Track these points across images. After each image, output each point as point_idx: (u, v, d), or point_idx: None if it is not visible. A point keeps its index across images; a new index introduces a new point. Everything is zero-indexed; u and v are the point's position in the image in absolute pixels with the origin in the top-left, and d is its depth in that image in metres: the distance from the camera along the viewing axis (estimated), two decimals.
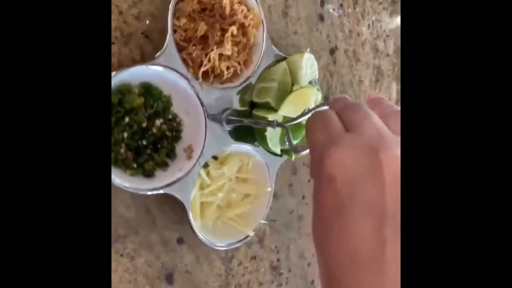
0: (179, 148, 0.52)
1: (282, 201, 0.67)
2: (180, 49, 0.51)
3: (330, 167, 0.27)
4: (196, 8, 0.51)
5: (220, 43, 0.52)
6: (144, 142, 0.49)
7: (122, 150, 0.47)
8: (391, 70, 0.81)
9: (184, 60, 0.51)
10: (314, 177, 0.28)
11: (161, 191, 0.49)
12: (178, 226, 0.55)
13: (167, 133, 0.51)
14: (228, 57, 0.54)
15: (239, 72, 0.56)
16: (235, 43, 0.54)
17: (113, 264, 0.50)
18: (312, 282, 0.72)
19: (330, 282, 0.27)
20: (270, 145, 0.56)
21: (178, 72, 0.49)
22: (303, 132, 0.57)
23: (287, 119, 0.49)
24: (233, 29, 0.52)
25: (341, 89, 0.73)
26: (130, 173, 0.48)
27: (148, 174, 0.49)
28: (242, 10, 0.54)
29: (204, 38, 0.52)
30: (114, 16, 0.48)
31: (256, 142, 0.57)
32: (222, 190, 0.54)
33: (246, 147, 0.57)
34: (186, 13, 0.51)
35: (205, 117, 0.51)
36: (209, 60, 0.52)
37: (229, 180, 0.56)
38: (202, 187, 0.54)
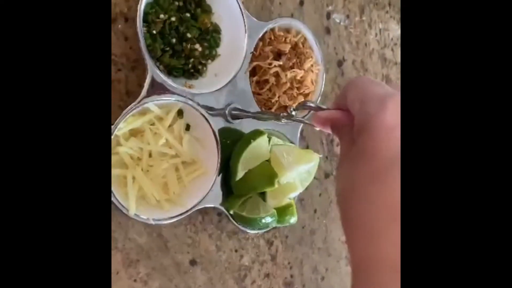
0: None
1: None
2: None
3: (390, 115, 0.27)
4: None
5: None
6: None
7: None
8: (400, 79, 0.80)
9: None
10: (366, 129, 0.28)
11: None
12: (190, 249, 0.55)
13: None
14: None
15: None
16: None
17: None
18: None
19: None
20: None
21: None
22: None
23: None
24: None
25: None
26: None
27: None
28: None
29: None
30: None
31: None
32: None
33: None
34: None
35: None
36: None
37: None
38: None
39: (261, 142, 0.51)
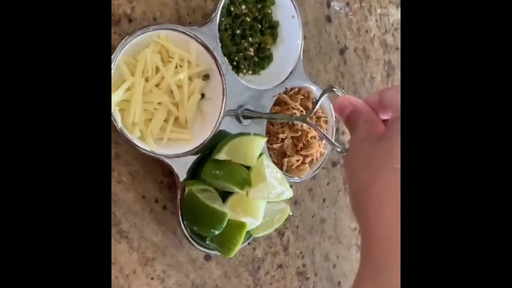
0: None
1: (304, 206, 0.67)
2: None
3: None
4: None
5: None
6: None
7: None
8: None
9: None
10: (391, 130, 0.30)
11: None
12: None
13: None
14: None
15: None
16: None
17: None
18: (339, 283, 0.73)
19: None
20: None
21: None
22: None
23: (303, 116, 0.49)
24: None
25: (353, 89, 0.72)
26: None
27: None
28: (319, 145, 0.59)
29: None
30: None
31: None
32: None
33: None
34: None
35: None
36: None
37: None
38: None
39: (257, 143, 0.50)
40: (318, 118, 0.60)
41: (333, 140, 0.47)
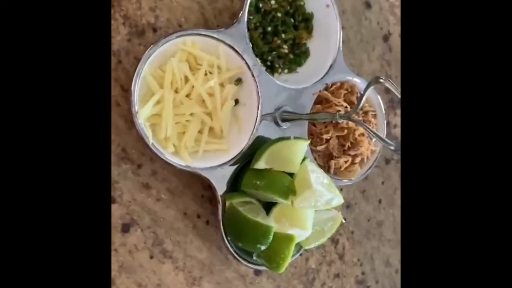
0: None
1: (357, 210, 0.62)
2: None
3: None
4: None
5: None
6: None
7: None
8: None
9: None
10: None
11: None
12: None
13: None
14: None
15: None
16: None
17: None
18: None
19: None
20: None
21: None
22: None
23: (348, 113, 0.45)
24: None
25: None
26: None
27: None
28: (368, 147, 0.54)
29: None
30: None
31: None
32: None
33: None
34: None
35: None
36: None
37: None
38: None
39: (299, 147, 0.45)
40: (366, 113, 0.55)
41: (384, 137, 0.42)
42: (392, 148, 0.38)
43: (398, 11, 0.66)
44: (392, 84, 0.37)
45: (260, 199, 0.46)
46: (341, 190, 0.59)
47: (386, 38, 0.65)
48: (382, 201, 0.64)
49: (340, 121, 0.45)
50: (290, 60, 0.52)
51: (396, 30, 0.66)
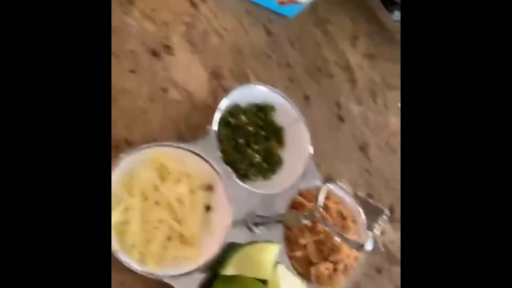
0: None
1: None
2: None
3: None
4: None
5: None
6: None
7: None
8: None
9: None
10: None
11: None
12: None
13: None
14: None
15: None
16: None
17: None
18: None
19: None
20: None
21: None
22: None
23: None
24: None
25: (384, 185, 0.67)
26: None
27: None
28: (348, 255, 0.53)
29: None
30: None
31: None
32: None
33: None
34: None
35: None
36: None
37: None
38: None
39: (269, 251, 0.45)
40: (345, 218, 0.55)
41: (347, 237, 0.41)
42: (354, 247, 0.37)
43: (371, 124, 0.70)
44: (341, 187, 0.38)
45: None
46: None
47: (363, 149, 0.68)
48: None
49: (305, 222, 0.44)
50: (264, 169, 0.54)
51: (372, 141, 0.69)
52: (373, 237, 0.37)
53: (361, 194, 0.64)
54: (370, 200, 0.38)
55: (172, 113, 0.53)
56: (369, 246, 0.37)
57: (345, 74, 0.70)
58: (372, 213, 0.37)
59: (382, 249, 0.54)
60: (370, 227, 0.37)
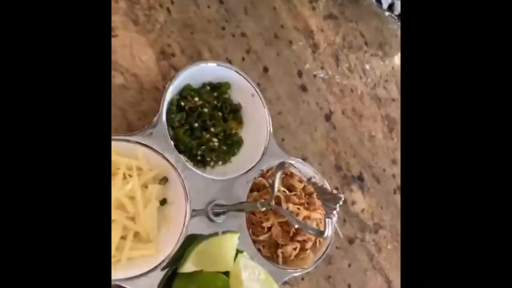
0: None
1: None
2: None
3: None
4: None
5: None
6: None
7: None
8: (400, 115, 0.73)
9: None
10: None
11: None
12: None
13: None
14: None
15: None
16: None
17: None
18: None
19: None
20: None
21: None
22: None
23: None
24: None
25: (352, 153, 0.65)
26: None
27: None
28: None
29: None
30: None
31: None
32: None
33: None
34: None
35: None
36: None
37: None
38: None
39: (228, 242, 0.43)
40: (310, 194, 0.53)
41: (306, 224, 0.40)
42: (312, 233, 0.36)
43: (337, 90, 0.67)
44: (296, 168, 0.36)
45: None
46: (302, 279, 0.55)
47: (328, 117, 0.65)
48: (351, 285, 0.59)
49: (262, 209, 0.43)
50: (223, 152, 0.52)
51: (337, 108, 0.67)
52: (331, 223, 0.35)
53: (322, 172, 0.62)
54: (326, 187, 0.36)
55: (119, 101, 0.50)
56: (329, 233, 0.36)
57: (305, 40, 0.67)
58: (330, 200, 0.35)
59: (341, 236, 0.53)
60: (327, 214, 0.35)
